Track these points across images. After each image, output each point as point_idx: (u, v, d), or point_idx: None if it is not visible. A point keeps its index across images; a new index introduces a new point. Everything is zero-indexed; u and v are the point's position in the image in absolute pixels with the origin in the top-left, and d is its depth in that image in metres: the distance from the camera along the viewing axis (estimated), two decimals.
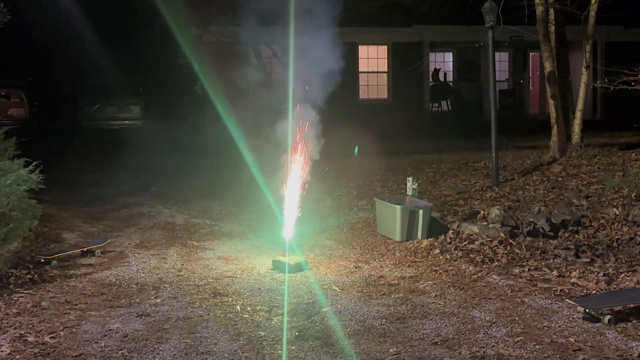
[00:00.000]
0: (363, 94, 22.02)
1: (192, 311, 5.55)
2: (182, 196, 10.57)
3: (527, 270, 6.64)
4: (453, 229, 8.01)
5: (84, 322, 5.30)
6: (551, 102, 11.63)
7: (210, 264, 7.00)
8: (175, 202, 10.10)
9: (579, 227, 7.85)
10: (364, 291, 6.10)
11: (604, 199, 8.69)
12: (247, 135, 10.39)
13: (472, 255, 7.14)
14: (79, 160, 14.14)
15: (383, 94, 22.40)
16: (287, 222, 7.06)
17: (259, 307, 5.67)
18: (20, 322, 5.24)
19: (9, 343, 4.83)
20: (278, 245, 7.22)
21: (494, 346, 4.81)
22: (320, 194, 9.44)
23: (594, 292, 5.97)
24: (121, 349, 4.75)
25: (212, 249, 7.65)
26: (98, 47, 20.40)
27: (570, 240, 7.55)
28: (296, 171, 7.04)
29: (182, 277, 6.55)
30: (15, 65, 19.77)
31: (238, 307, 5.63)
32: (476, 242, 7.54)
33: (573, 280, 6.30)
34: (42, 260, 6.88)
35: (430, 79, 22.85)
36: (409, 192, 9.01)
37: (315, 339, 4.98)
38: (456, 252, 7.28)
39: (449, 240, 7.68)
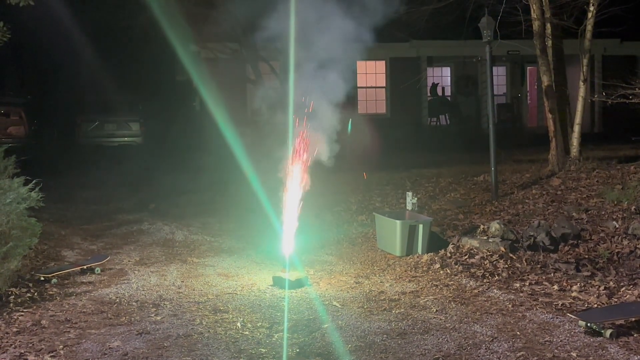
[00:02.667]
0: (361, 109, 22.08)
1: (192, 328, 5.53)
2: (181, 212, 10.56)
3: (527, 284, 6.63)
4: (453, 244, 8.01)
5: (84, 340, 5.28)
6: (549, 115, 11.67)
7: (211, 281, 6.99)
8: (174, 218, 10.10)
9: (579, 241, 7.85)
10: (365, 307, 6.09)
11: (603, 212, 8.70)
12: (246, 151, 10.41)
13: (472, 270, 7.13)
14: (78, 177, 14.16)
15: (381, 109, 22.47)
16: (286, 238, 7.06)
17: (260, 323, 5.65)
18: (20, 341, 5.23)
19: None
20: (278, 261, 7.21)
21: None
22: (320, 209, 9.45)
23: (595, 306, 5.96)
24: None
25: (212, 265, 7.64)
26: (97, 65, 20.48)
27: (571, 254, 7.55)
28: (295, 186, 7.05)
29: (182, 294, 6.53)
30: (14, 84, 19.85)
31: (239, 324, 5.61)
32: (476, 257, 7.54)
33: (574, 294, 6.29)
34: (42, 278, 6.86)
35: (429, 94, 22.94)
36: (409, 206, 9.02)
37: (317, 355, 4.97)
38: (456, 266, 7.27)
39: (449, 254, 7.68)
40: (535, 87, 23.02)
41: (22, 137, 17.30)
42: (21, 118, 17.84)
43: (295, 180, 7.14)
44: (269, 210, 7.75)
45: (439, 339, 5.25)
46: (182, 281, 6.98)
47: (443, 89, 23.52)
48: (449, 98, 23.56)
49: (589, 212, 8.79)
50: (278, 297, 6.43)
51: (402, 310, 5.97)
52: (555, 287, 6.51)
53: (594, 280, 6.71)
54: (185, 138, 18.55)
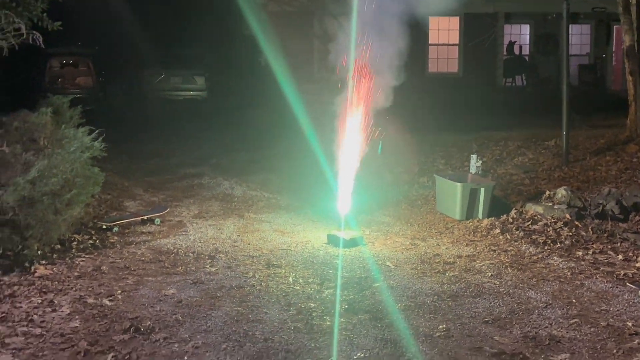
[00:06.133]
0: (432, 68, 21.83)
1: (245, 281, 5.81)
2: (241, 168, 10.86)
3: (591, 253, 6.60)
4: (516, 209, 8.01)
5: (140, 287, 5.63)
6: (629, 78, 11.32)
7: (266, 236, 7.25)
8: (234, 174, 10.40)
9: None
10: (418, 268, 6.22)
11: None
12: (309, 108, 10.55)
13: (534, 236, 7.14)
14: (142, 130, 14.66)
15: (453, 67, 22.14)
16: (343, 197, 7.22)
17: (311, 279, 5.87)
18: (80, 285, 5.62)
19: (69, 304, 5.20)
20: (334, 220, 7.39)
21: (547, 327, 4.86)
22: (380, 169, 9.54)
23: None
24: (175, 314, 5.05)
25: (269, 221, 7.90)
26: (164, 17, 20.90)
27: None
28: (355, 143, 7.17)
29: (237, 247, 6.82)
30: (83, 34, 20.45)
31: (290, 279, 5.85)
32: (539, 223, 7.53)
33: (639, 264, 6.23)
34: (104, 226, 7.28)
35: (505, 53, 22.41)
36: (472, 169, 9.02)
37: (365, 312, 5.15)
38: (517, 232, 7.29)
39: (510, 220, 7.69)
40: (622, 47, 22.13)
41: (89, 88, 17.98)
42: (89, 69, 18.51)
43: (355, 136, 7.27)
44: (329, 169, 7.91)
45: (490, 303, 5.34)
46: (238, 235, 7.27)
47: (520, 47, 22.90)
48: (526, 58, 22.95)
49: None
50: (331, 255, 6.63)
51: (456, 273, 6.07)
52: (620, 257, 6.46)
53: None
54: (250, 94, 18.85)
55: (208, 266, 6.20)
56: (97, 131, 7.06)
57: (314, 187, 9.02)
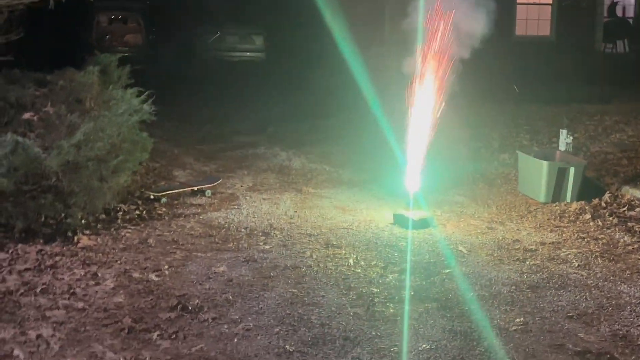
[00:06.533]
0: (520, 30, 21.34)
1: (301, 261, 5.90)
2: (301, 138, 10.93)
3: None
4: (610, 192, 7.87)
5: (189, 262, 5.79)
6: None
7: (325, 213, 7.32)
8: (293, 144, 10.48)
9: None
10: (495, 255, 6.19)
11: None
12: (377, 73, 10.50)
13: (630, 224, 7.01)
14: (194, 93, 14.89)
15: (545, 30, 21.57)
16: (412, 173, 7.20)
17: (374, 262, 5.92)
18: (126, 258, 5.83)
19: (113, 278, 5.40)
20: (402, 198, 7.37)
21: (639, 325, 4.79)
22: (455, 143, 9.47)
23: None
24: (225, 293, 5.19)
25: (329, 197, 7.97)
26: None
27: None
28: (426, 111, 7.11)
29: (293, 224, 6.92)
30: None
31: (351, 261, 5.91)
32: (637, 209, 7.39)
33: None
34: (152, 196, 7.49)
35: (605, 14, 21.74)
36: (562, 146, 8.83)
37: (433, 300, 5.18)
38: (611, 218, 7.16)
39: (604, 204, 7.57)
40: None
41: (138, 46, 18.27)
42: (139, 25, 18.80)
43: (427, 107, 7.21)
44: (396, 141, 7.88)
45: (576, 296, 5.29)
46: (295, 211, 7.36)
47: (624, 9, 22.21)
48: (630, 21, 22.24)
49: None
50: (397, 236, 6.65)
51: (537, 261, 6.02)
52: None
53: None
54: (312, 56, 18.82)
55: (261, 243, 6.32)
56: (146, 93, 7.24)
57: (380, 161, 9.01)
